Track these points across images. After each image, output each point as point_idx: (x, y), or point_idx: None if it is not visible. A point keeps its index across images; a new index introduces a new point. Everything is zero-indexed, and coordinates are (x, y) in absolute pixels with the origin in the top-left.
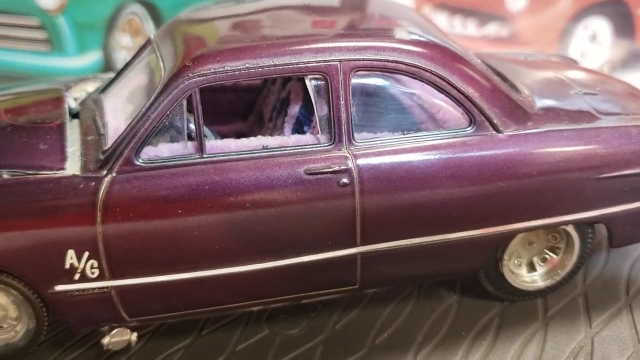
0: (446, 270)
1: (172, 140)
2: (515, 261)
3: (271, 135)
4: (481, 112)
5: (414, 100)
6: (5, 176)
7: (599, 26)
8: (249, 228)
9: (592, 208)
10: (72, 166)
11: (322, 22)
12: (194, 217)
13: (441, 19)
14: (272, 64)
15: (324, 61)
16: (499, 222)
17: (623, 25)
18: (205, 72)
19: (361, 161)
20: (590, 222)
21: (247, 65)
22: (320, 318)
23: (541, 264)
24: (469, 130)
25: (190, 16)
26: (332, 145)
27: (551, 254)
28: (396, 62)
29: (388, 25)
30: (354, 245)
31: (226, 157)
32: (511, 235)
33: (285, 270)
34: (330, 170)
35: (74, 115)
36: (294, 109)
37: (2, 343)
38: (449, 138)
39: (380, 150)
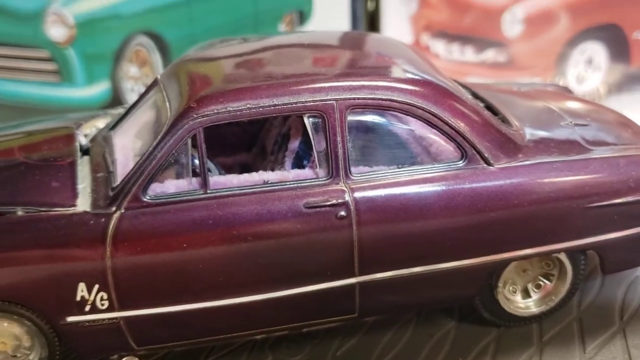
0: (442, 298)
1: (178, 176)
2: (510, 288)
3: (272, 168)
4: (472, 146)
5: (408, 135)
6: (20, 213)
7: (595, 51)
8: (251, 260)
9: (583, 236)
10: (83, 203)
11: (322, 60)
12: (199, 250)
13: (439, 46)
14: (272, 104)
15: (321, 100)
16: (492, 251)
17: (618, 50)
18: (209, 112)
19: (358, 194)
20: (582, 250)
21: (248, 105)
22: (321, 345)
23: (535, 290)
24: (461, 163)
25: (196, 55)
26: (329, 180)
27: (545, 280)
28: (389, 100)
29: (384, 63)
30: (353, 275)
31: (229, 192)
32: (505, 263)
33: (286, 300)
34: (328, 203)
35: (85, 151)
36: (294, 144)
37: None
38: (442, 171)
39: (376, 184)
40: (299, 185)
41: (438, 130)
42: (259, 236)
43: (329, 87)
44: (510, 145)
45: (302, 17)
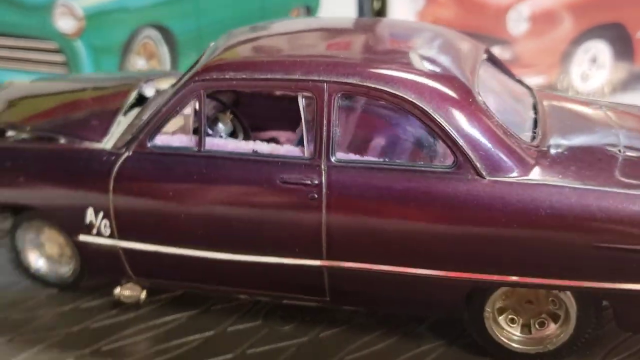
0: (416, 306)
1: (186, 134)
2: (509, 317)
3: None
4: (463, 153)
5: (401, 129)
6: (62, 140)
7: (599, 49)
8: (227, 221)
9: (590, 279)
10: (108, 141)
11: (336, 45)
12: (182, 200)
13: None
14: (267, 77)
15: (312, 80)
16: (471, 268)
17: (623, 48)
18: (209, 78)
19: (333, 179)
20: (591, 295)
21: (244, 76)
22: (310, 323)
23: (538, 327)
24: (450, 168)
25: (233, 32)
26: (310, 160)
27: (550, 320)
28: (380, 90)
29: (397, 53)
30: (320, 257)
31: (219, 155)
32: (489, 285)
33: (257, 266)
34: (302, 182)
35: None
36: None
37: (58, 276)
38: (427, 172)
39: (355, 173)
40: (282, 160)
41: (430, 130)
42: (235, 200)
43: (322, 68)
44: (511, 160)
45: (309, 12)
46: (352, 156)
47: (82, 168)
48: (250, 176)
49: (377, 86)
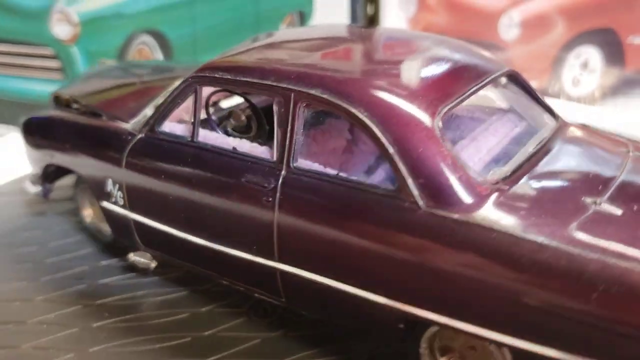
0: (361, 325)
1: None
2: (451, 358)
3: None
4: (403, 178)
5: (360, 145)
6: (104, 118)
7: (590, 54)
8: (202, 209)
9: (520, 337)
10: (134, 123)
11: (331, 54)
12: (170, 183)
13: None
14: (246, 80)
15: (281, 88)
16: (402, 299)
17: (613, 53)
18: (203, 76)
19: (288, 185)
20: (521, 353)
21: (229, 76)
22: (289, 321)
23: None
24: (391, 192)
25: (257, 37)
26: (274, 165)
27: None
28: (335, 104)
29: (380, 62)
30: (273, 259)
31: (205, 147)
32: (419, 321)
33: (225, 256)
34: (260, 184)
35: None
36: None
37: (99, 230)
38: (371, 192)
39: (308, 181)
40: (251, 160)
41: (378, 150)
42: (209, 191)
43: (292, 77)
44: (450, 193)
45: (303, 17)
46: (311, 165)
47: (108, 142)
48: (223, 171)
49: (334, 100)
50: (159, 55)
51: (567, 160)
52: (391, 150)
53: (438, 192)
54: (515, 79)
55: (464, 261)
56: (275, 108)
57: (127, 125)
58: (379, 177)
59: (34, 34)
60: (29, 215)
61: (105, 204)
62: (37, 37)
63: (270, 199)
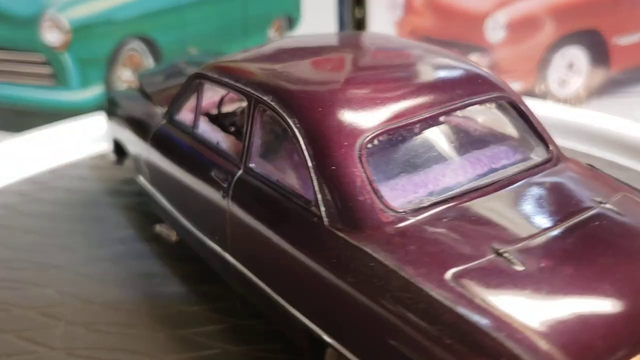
0: (286, 332)
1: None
2: None
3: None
4: (315, 193)
5: (297, 154)
6: (152, 102)
7: (576, 55)
8: (183, 194)
9: None
10: (163, 111)
11: (322, 62)
12: (170, 164)
13: None
14: (226, 81)
15: (247, 91)
16: (305, 312)
17: (598, 54)
18: (202, 74)
19: (239, 184)
20: None
21: (216, 76)
22: (263, 335)
23: None
24: (308, 204)
25: (270, 40)
26: (235, 164)
27: None
28: (278, 112)
29: (344, 72)
30: (227, 250)
31: (198, 137)
32: (318, 339)
33: (198, 239)
34: (221, 180)
35: None
36: None
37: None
38: (294, 202)
39: (251, 184)
40: (224, 156)
41: (302, 162)
42: (194, 179)
43: (256, 83)
44: (350, 215)
45: (291, 22)
46: (261, 168)
47: (144, 123)
48: (204, 162)
49: (278, 108)
50: (149, 61)
51: (510, 201)
52: (309, 164)
53: (339, 212)
54: (511, 105)
55: (344, 285)
56: (245, 109)
57: (161, 112)
58: (308, 189)
59: (25, 40)
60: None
61: (139, 178)
62: (27, 43)
63: (225, 195)
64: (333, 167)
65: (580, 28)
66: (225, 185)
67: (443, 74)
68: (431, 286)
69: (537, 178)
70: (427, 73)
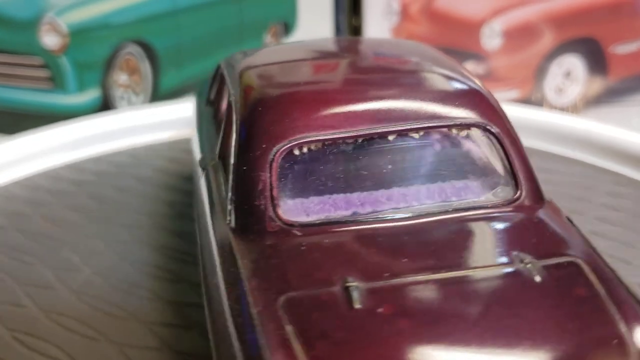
0: None
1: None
2: None
3: None
4: (227, 189)
5: None
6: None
7: (573, 64)
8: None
9: None
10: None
11: (320, 66)
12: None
13: None
14: (224, 76)
15: (231, 94)
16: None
17: (596, 62)
18: (219, 64)
19: (207, 176)
20: None
21: (221, 71)
22: None
23: None
24: (225, 201)
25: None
26: (214, 152)
27: None
28: (232, 108)
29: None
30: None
31: (209, 121)
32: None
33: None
34: (202, 166)
35: None
36: None
37: None
38: (220, 196)
39: (211, 174)
40: (211, 144)
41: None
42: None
43: (237, 83)
44: (247, 222)
45: (287, 28)
46: (221, 163)
47: (200, 103)
48: (203, 148)
49: (232, 105)
50: (145, 66)
51: (411, 238)
52: (231, 161)
53: (237, 212)
54: (492, 135)
55: (211, 283)
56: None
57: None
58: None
59: (23, 43)
60: None
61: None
62: (25, 46)
63: (200, 181)
64: (245, 168)
65: (578, 36)
66: (203, 171)
67: (415, 88)
68: (258, 305)
69: (470, 221)
70: (397, 85)
